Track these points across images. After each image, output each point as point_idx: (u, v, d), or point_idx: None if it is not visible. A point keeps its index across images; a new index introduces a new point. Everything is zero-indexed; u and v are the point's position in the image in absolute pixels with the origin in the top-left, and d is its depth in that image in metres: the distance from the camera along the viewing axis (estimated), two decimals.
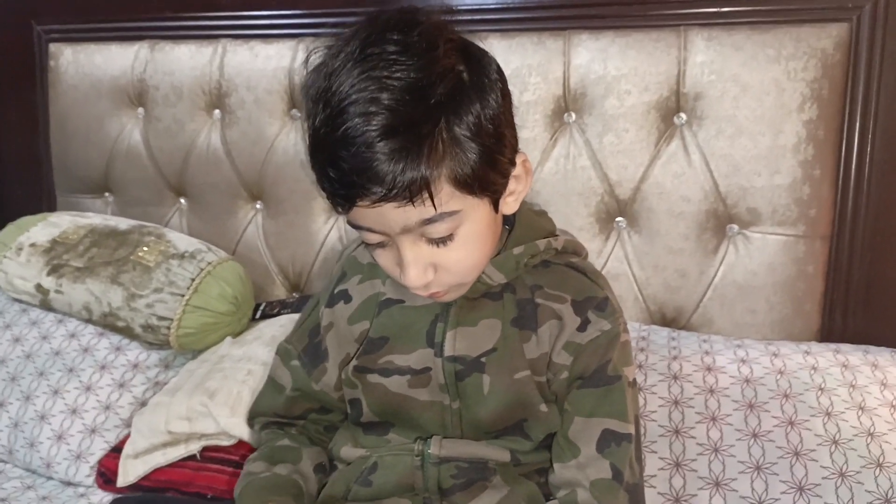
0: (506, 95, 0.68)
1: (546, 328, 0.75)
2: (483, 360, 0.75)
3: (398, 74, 0.60)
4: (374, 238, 0.67)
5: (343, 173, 0.61)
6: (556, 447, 0.76)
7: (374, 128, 0.59)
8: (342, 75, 0.61)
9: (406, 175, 0.60)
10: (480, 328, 0.75)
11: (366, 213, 0.63)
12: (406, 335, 0.76)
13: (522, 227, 0.77)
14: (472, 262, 0.70)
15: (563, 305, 0.75)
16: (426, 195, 0.61)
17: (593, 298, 0.76)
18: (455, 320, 0.75)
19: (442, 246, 0.66)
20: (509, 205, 0.72)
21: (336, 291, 0.82)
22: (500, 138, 0.66)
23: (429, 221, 0.64)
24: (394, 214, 0.63)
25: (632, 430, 0.75)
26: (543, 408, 0.76)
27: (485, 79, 0.65)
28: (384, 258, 0.69)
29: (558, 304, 0.75)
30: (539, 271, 0.77)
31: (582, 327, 0.75)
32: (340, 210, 0.65)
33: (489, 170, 0.65)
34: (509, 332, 0.75)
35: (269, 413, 0.89)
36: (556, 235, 0.79)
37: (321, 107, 0.62)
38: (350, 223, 0.68)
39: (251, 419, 0.93)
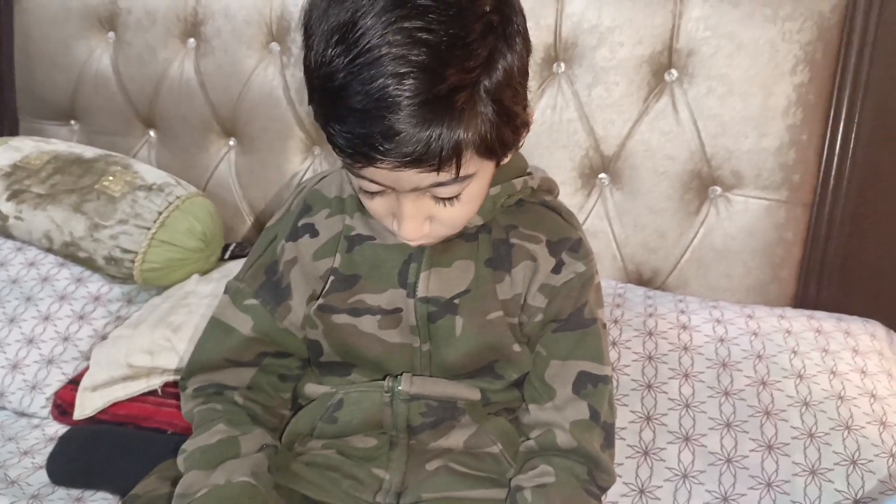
0: (527, 40, 0.63)
1: (520, 269, 0.74)
2: (456, 301, 0.73)
3: (434, 26, 0.55)
4: (374, 188, 0.64)
5: (366, 133, 0.57)
6: (531, 389, 0.75)
7: (406, 90, 0.55)
8: (370, 16, 0.55)
9: (441, 142, 0.57)
10: (454, 269, 0.73)
11: (379, 171, 0.60)
12: (377, 274, 0.74)
13: (498, 167, 0.74)
14: (468, 216, 0.68)
15: (538, 246, 0.74)
16: (453, 162, 0.58)
17: (567, 240, 0.75)
18: (429, 261, 0.72)
19: (448, 205, 0.64)
20: (507, 157, 0.68)
21: (300, 225, 0.77)
22: (520, 94, 0.62)
23: (442, 184, 0.61)
24: (409, 175, 0.59)
25: (608, 371, 0.74)
26: (516, 348, 0.74)
27: (514, 23, 0.61)
28: (378, 205, 0.66)
29: (533, 245, 0.74)
30: (513, 211, 0.75)
31: (556, 269, 0.74)
32: (352, 166, 0.61)
33: (509, 130, 0.62)
34: (483, 273, 0.73)
35: (212, 364, 0.77)
36: (530, 173, 0.77)
37: (342, 48, 0.56)
38: (352, 172, 0.64)
39: (187, 377, 0.78)
